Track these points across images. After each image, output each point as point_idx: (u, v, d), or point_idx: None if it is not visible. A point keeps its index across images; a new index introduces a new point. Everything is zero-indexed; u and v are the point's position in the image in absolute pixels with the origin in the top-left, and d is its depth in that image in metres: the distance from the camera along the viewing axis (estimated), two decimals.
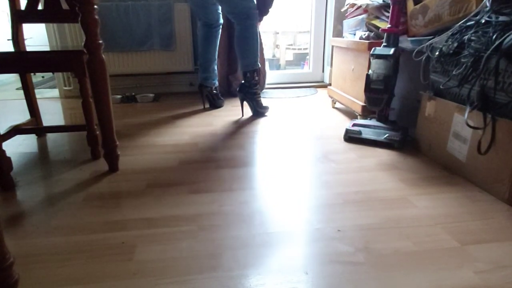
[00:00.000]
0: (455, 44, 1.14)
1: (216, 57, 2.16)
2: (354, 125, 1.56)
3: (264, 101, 2.16)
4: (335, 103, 2.16)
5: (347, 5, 1.94)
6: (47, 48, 2.41)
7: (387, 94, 1.44)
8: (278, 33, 4.24)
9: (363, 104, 1.67)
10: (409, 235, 0.85)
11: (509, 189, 0.97)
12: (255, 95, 1.94)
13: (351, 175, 1.19)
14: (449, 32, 1.19)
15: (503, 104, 0.97)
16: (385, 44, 1.48)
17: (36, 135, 1.66)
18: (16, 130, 1.45)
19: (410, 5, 1.46)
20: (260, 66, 1.96)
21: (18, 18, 1.45)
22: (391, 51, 1.42)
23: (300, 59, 4.14)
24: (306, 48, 3.90)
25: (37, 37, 3.29)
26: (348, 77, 1.89)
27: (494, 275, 0.71)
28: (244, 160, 1.33)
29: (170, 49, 2.46)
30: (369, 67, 1.60)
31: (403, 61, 1.59)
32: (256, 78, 1.93)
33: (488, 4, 1.06)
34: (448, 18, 1.26)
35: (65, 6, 1.47)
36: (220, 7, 2.02)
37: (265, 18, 2.02)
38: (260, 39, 2.29)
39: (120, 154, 1.30)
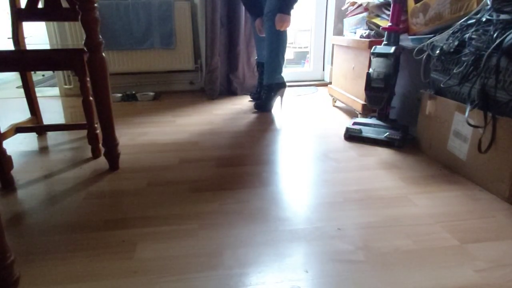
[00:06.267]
0: (456, 43, 1.14)
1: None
2: (354, 123, 1.56)
3: None
4: (335, 101, 2.16)
5: (347, 3, 1.93)
6: (47, 47, 2.41)
7: (387, 93, 1.44)
8: None
9: (364, 102, 1.66)
10: (409, 233, 0.85)
11: (509, 188, 0.97)
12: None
13: (351, 173, 1.19)
14: (450, 31, 1.19)
15: (504, 102, 0.97)
16: (386, 42, 1.48)
17: (37, 133, 1.66)
18: (16, 129, 1.45)
19: (411, 4, 1.46)
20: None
21: (18, 16, 1.45)
22: (392, 49, 1.42)
23: (300, 57, 4.13)
24: (307, 47, 3.89)
25: (37, 35, 3.29)
26: (349, 75, 1.89)
27: (494, 273, 0.71)
28: (245, 159, 1.33)
29: (170, 47, 2.45)
30: (369, 66, 1.60)
31: (404, 59, 1.59)
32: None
33: (489, 3, 1.06)
34: (449, 16, 1.26)
35: (65, 4, 1.47)
36: None
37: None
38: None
39: (121, 152, 1.30)
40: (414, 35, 1.47)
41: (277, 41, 1.93)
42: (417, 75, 1.51)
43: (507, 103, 0.96)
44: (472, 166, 1.11)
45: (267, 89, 2.02)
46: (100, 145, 1.35)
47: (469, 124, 1.08)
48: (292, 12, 1.88)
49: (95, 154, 1.38)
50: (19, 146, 1.51)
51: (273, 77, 2.00)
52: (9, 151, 1.13)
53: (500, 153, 0.99)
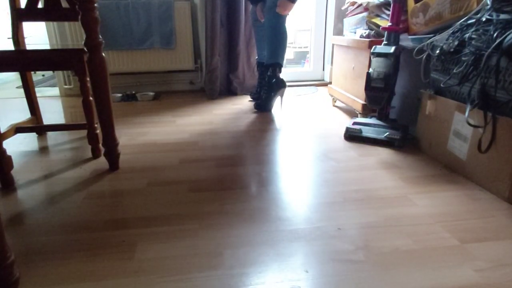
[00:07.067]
0: (456, 42, 1.14)
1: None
2: (354, 123, 1.56)
3: None
4: (335, 101, 2.16)
5: (347, 3, 1.93)
6: (47, 47, 2.41)
7: (387, 93, 1.44)
8: None
9: (364, 102, 1.66)
10: (409, 233, 0.85)
11: (509, 188, 0.97)
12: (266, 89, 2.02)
13: (351, 173, 1.19)
14: (450, 30, 1.19)
15: (504, 102, 0.97)
16: (386, 42, 1.48)
17: (37, 133, 1.66)
18: (16, 129, 1.45)
19: (411, 3, 1.46)
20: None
21: (18, 16, 1.45)
22: (392, 49, 1.42)
23: (300, 57, 4.13)
24: (307, 47, 3.89)
25: (37, 35, 3.29)
26: (349, 75, 1.89)
27: (494, 273, 0.71)
28: (245, 159, 1.33)
29: (170, 47, 2.45)
30: (369, 66, 1.60)
31: (404, 59, 1.58)
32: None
33: (489, 2, 1.06)
34: (449, 16, 1.26)
35: (65, 4, 1.47)
36: None
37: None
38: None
39: (121, 152, 1.30)
40: (414, 35, 1.47)
41: (278, 37, 1.92)
42: (417, 75, 1.51)
43: (507, 103, 0.96)
44: (472, 166, 1.11)
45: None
46: (100, 145, 1.35)
47: (469, 124, 1.08)
48: (297, 1, 1.87)
49: (95, 154, 1.38)
50: (19, 146, 1.51)
51: (276, 57, 1.96)
52: (9, 151, 1.13)
53: (500, 153, 0.99)
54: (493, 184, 1.03)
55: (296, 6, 1.87)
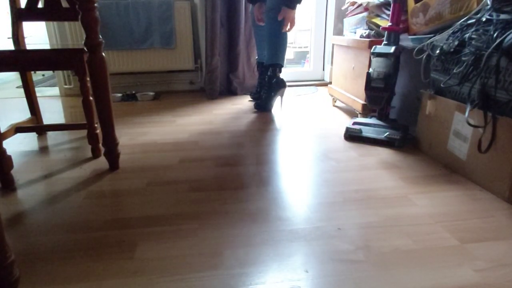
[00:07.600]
0: (456, 42, 1.14)
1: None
2: (354, 123, 1.56)
3: None
4: (335, 101, 2.16)
5: (347, 3, 1.93)
6: (47, 47, 2.41)
7: (387, 93, 1.44)
8: None
9: (364, 102, 1.66)
10: (409, 233, 0.85)
11: (509, 188, 0.97)
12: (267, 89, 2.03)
13: (351, 173, 1.19)
14: (450, 30, 1.19)
15: (504, 102, 0.97)
16: (386, 42, 1.48)
17: (37, 133, 1.66)
18: (16, 129, 1.45)
19: (411, 3, 1.46)
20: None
21: (18, 16, 1.45)
22: (392, 49, 1.42)
23: (300, 57, 4.13)
24: (307, 47, 3.89)
25: (37, 35, 3.29)
26: (349, 75, 1.89)
27: (494, 273, 0.71)
28: (245, 159, 1.33)
29: (170, 47, 2.45)
30: (369, 66, 1.60)
31: (404, 59, 1.58)
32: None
33: (489, 2, 1.06)
34: (449, 16, 1.26)
35: (65, 4, 1.47)
36: None
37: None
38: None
39: (121, 152, 1.30)
40: (414, 35, 1.47)
41: (278, 38, 1.92)
42: (417, 75, 1.51)
43: (507, 103, 0.96)
44: (472, 166, 1.11)
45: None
46: (100, 145, 1.34)
47: (469, 124, 1.08)
48: (298, 7, 1.85)
49: (95, 154, 1.38)
50: (19, 146, 1.51)
51: (276, 58, 1.96)
52: (9, 151, 1.13)
53: (500, 153, 0.99)
54: (493, 184, 1.03)
55: (297, 11, 1.87)
